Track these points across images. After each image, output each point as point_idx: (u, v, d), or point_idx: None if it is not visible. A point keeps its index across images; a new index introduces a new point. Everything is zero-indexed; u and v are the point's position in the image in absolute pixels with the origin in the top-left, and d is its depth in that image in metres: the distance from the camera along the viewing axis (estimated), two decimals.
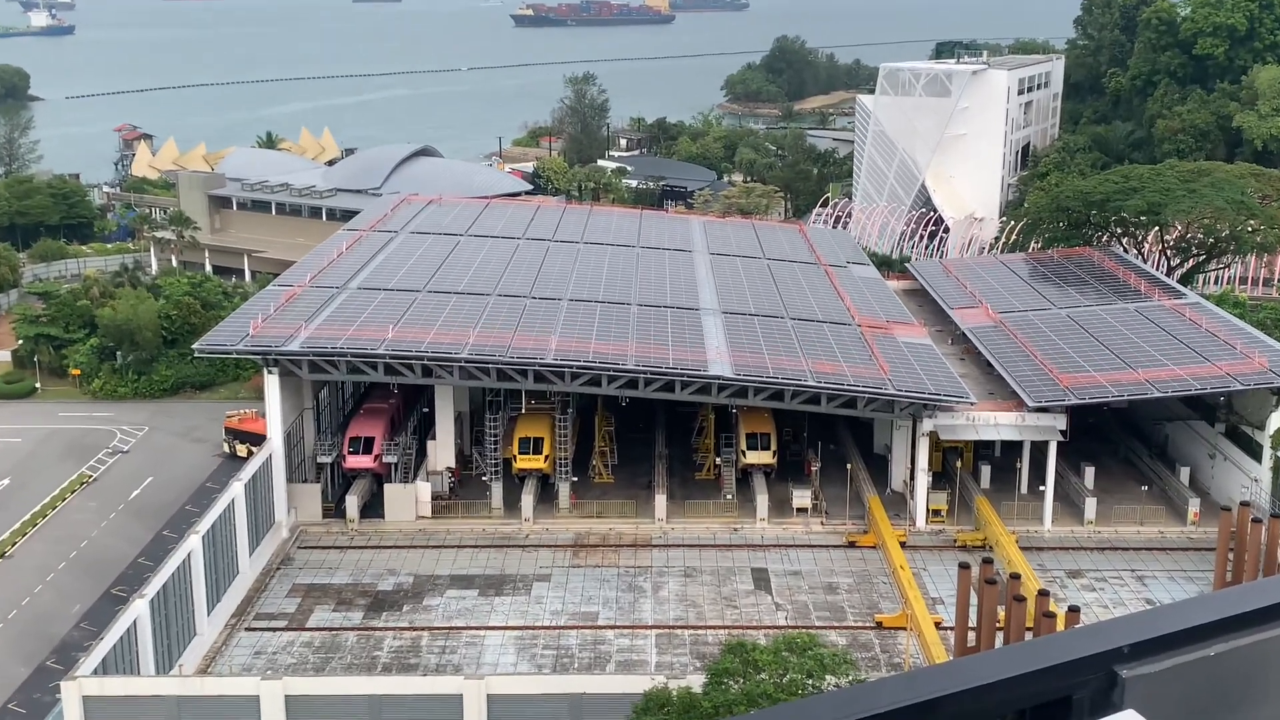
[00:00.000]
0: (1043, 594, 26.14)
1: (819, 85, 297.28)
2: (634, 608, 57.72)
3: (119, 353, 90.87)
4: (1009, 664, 3.87)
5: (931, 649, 50.47)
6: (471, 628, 55.84)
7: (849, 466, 68.97)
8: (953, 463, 69.70)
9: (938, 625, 53.19)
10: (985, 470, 70.03)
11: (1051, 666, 3.86)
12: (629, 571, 61.37)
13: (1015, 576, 29.99)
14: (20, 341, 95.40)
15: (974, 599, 41.08)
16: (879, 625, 55.76)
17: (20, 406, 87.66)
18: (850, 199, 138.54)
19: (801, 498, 67.21)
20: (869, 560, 62.44)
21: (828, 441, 74.49)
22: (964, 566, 22.12)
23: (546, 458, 68.79)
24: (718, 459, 71.16)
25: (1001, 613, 36.17)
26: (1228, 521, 26.53)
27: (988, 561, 25.21)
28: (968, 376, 70.66)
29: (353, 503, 66.41)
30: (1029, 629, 36.09)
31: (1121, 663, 3.89)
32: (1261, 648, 4.01)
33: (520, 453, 68.86)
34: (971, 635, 41.20)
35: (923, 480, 65.49)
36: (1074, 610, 26.74)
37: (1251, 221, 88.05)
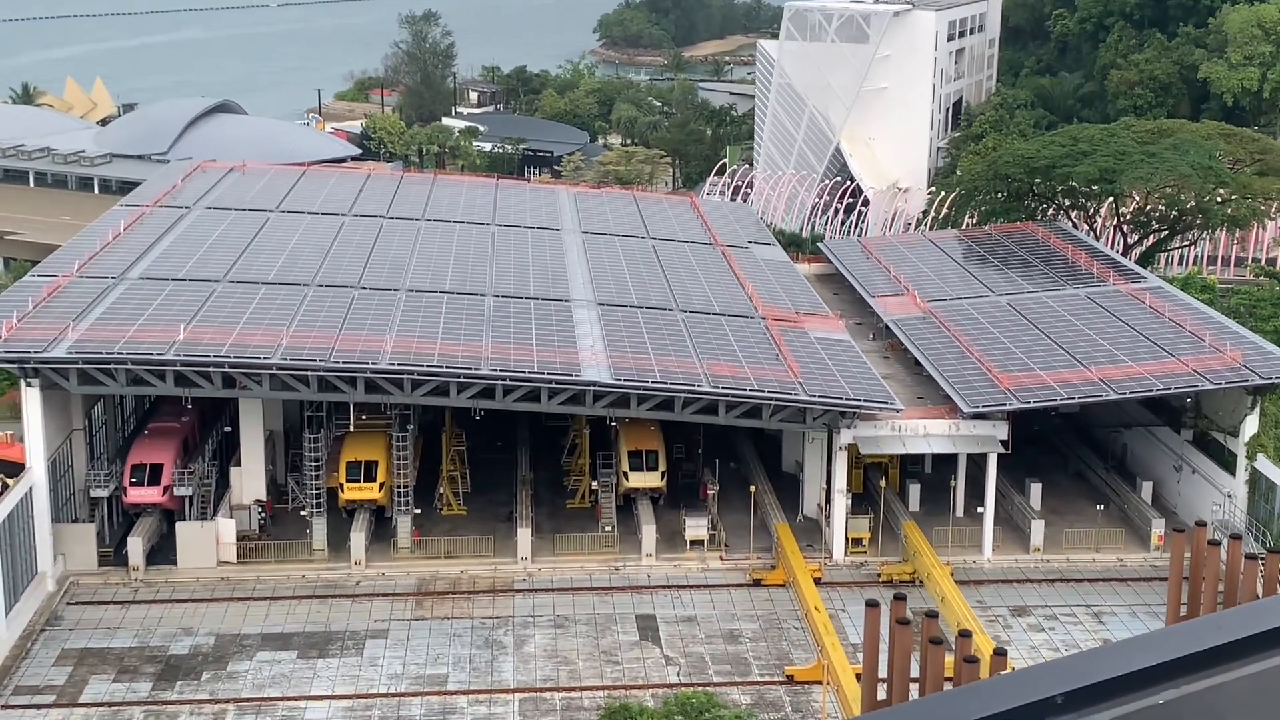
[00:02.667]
0: (964, 635, 26.75)
1: (712, 28, 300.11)
2: (492, 668, 57.56)
3: None
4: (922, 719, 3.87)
5: (852, 706, 51.29)
6: (289, 698, 55.07)
7: (752, 489, 69.78)
8: (876, 482, 70.98)
9: (859, 677, 54.03)
10: (914, 490, 71.51)
11: None
12: (486, 623, 61.17)
13: (965, 634, 30.58)
14: None
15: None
16: (790, 679, 56.50)
17: None
18: (751, 166, 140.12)
19: (696, 528, 67.72)
20: (777, 601, 63.19)
21: (727, 459, 75.18)
22: (872, 604, 22.50)
23: (381, 486, 68.15)
24: (594, 483, 71.33)
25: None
26: (1180, 546, 27.50)
27: (900, 597, 25.73)
28: (892, 378, 72.01)
29: (136, 546, 64.95)
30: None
31: (1054, 715, 3.92)
32: (1218, 693, 4.06)
33: (348, 480, 68.12)
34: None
35: (840, 504, 66.56)
36: (1000, 654, 27.39)
37: (1221, 190, 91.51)
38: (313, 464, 67.52)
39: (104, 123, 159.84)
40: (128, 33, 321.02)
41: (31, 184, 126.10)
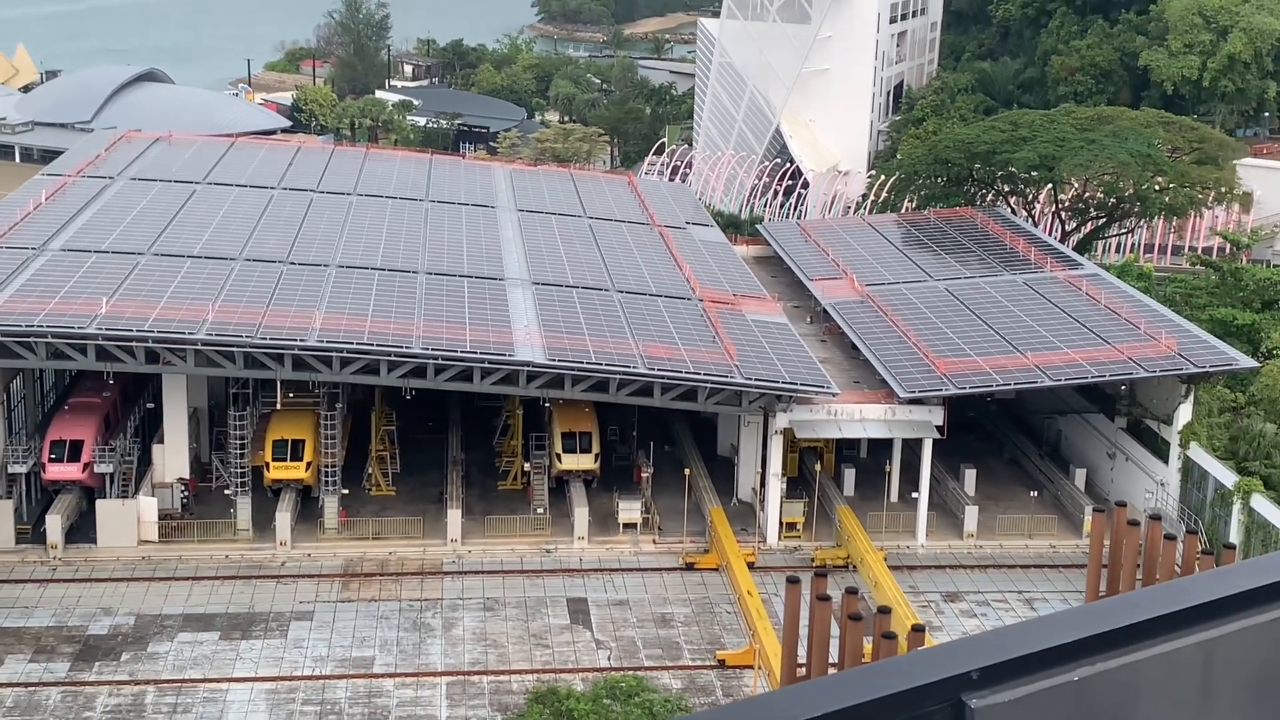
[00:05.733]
0: (883, 611, 27.03)
1: (654, 5, 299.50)
2: (419, 650, 57.44)
3: None
4: (836, 694, 3.87)
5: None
6: (210, 680, 54.75)
7: (687, 472, 70.00)
8: (811, 466, 71.45)
9: None
10: (849, 475, 72.10)
11: (887, 697, 3.87)
12: (413, 605, 61.01)
13: (885, 610, 30.85)
14: None
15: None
16: (721, 664, 56.84)
17: None
18: (690, 146, 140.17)
19: (629, 511, 67.87)
20: (710, 585, 63.52)
21: (662, 442, 75.39)
22: (793, 581, 22.72)
23: (308, 465, 67.74)
24: (526, 464, 71.27)
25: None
26: (1100, 525, 27.92)
27: (821, 574, 26.12)
28: (829, 362, 72.45)
29: (55, 524, 64.17)
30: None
31: (970, 690, 3.94)
32: (1133, 670, 4.09)
33: (274, 459, 67.67)
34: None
35: (775, 488, 66.94)
36: (918, 630, 27.70)
37: (1159, 179, 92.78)
38: (238, 442, 66.91)
39: (26, 89, 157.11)
40: None
41: None
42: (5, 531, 64.33)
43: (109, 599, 60.66)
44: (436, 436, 75.76)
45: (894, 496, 70.34)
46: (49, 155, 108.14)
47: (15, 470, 66.22)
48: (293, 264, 72.05)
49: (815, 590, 23.52)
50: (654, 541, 67.32)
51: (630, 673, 52.04)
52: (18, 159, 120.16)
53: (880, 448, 72.06)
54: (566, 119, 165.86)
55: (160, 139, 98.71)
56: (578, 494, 68.74)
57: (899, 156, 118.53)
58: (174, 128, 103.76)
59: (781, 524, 67.28)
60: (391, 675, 55.49)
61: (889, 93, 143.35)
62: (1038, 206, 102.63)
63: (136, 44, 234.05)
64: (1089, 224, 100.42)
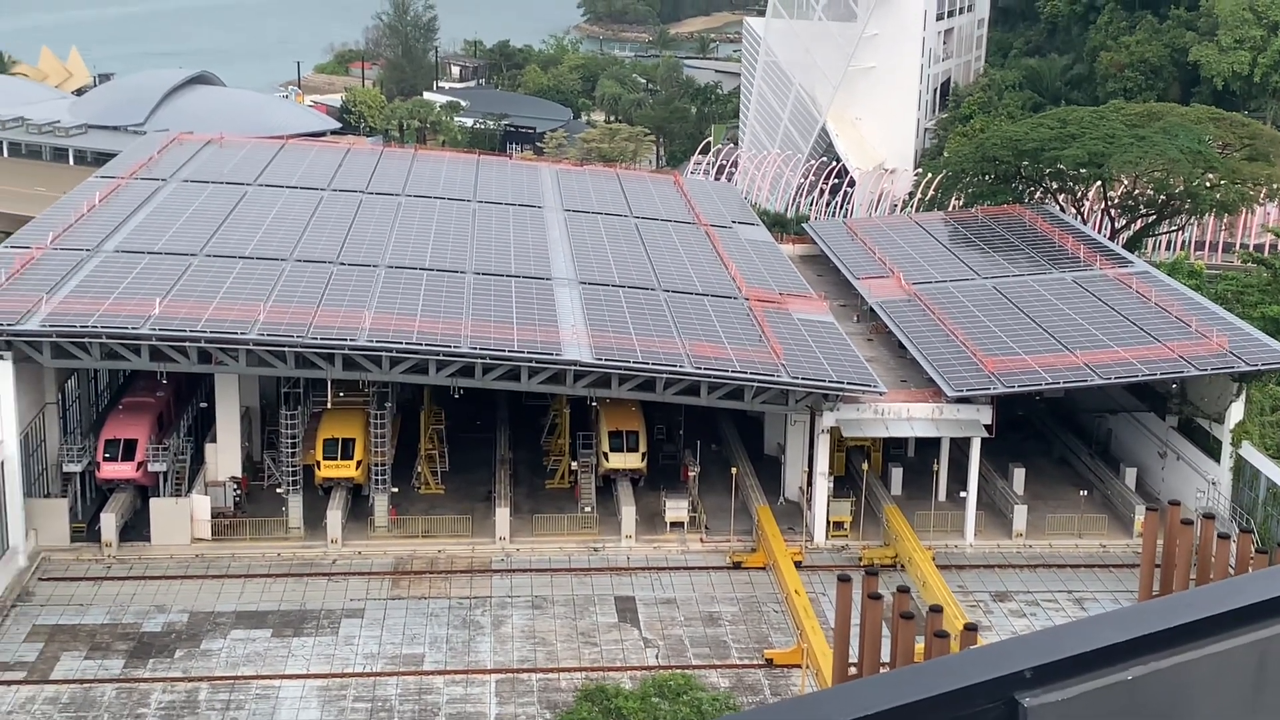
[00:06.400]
0: (935, 610, 27.03)
1: (699, 4, 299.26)
2: (469, 648, 57.65)
3: None
4: (887, 693, 3.91)
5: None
6: (263, 676, 55.11)
7: (734, 471, 69.92)
8: (858, 465, 71.19)
9: None
10: (896, 474, 71.78)
11: (940, 695, 3.90)
12: (463, 603, 61.23)
13: (936, 609, 30.84)
14: None
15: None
16: (769, 663, 56.75)
17: None
18: (736, 145, 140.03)
19: (676, 510, 67.86)
20: (757, 584, 63.43)
21: (709, 441, 75.31)
22: (844, 580, 22.64)
23: (358, 464, 68.11)
24: (574, 463, 71.39)
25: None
26: (1153, 524, 27.67)
27: (872, 574, 25.91)
28: (876, 361, 72.17)
29: (109, 522, 64.78)
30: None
31: (1023, 689, 3.96)
32: (1186, 670, 4.11)
33: (325, 458, 68.09)
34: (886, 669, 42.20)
35: (822, 487, 66.77)
36: (971, 629, 27.59)
37: (1210, 175, 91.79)
38: (289, 441, 67.43)
39: (79, 93, 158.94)
40: (104, 1, 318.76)
41: (5, 154, 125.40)
42: (61, 530, 65.08)
43: (163, 596, 61.23)
44: (485, 435, 76.04)
45: (942, 496, 69.96)
46: (102, 158, 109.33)
47: (70, 469, 66.96)
48: (342, 264, 72.50)
49: (866, 589, 23.52)
50: (701, 540, 67.32)
51: (678, 671, 52.07)
52: (71, 161, 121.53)
53: (928, 447, 71.72)
54: (612, 119, 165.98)
55: (212, 141, 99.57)
56: (625, 493, 68.81)
57: (946, 154, 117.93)
58: (225, 130, 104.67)
59: (829, 523, 67.07)
60: (441, 672, 55.74)
61: (935, 90, 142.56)
62: (1086, 204, 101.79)
63: (188, 47, 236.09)
64: (1139, 221, 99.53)
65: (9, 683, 54.16)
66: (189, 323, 62.18)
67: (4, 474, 61.81)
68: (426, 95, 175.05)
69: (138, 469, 66.35)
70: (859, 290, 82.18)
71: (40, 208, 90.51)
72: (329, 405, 70.95)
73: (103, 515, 65.18)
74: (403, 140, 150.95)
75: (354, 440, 68.50)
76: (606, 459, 69.89)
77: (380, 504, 67.62)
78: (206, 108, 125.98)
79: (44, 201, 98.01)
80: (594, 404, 71.08)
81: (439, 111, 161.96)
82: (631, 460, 69.87)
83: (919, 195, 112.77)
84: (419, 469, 71.93)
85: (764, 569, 64.58)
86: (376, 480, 67.81)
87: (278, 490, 68.71)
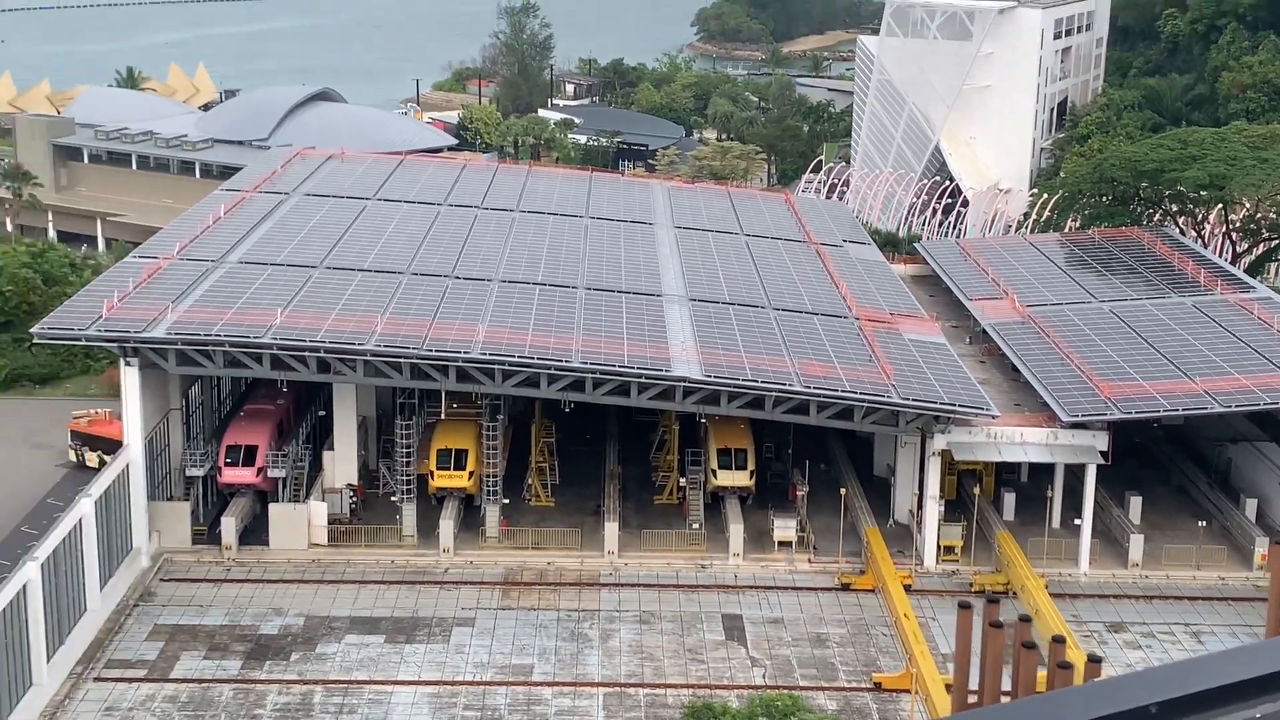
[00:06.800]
0: (1057, 641, 26.42)
1: (812, 23, 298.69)
2: (577, 660, 57.80)
3: None
4: None
5: (940, 716, 50.84)
6: (375, 681, 55.74)
7: (843, 492, 69.38)
8: (970, 489, 70.25)
9: (949, 687, 53.59)
10: (1009, 499, 70.69)
11: None
12: (571, 616, 61.42)
13: (1059, 640, 30.28)
14: None
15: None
16: (877, 686, 56.13)
17: None
18: (848, 163, 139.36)
19: (785, 529, 67.49)
20: (866, 606, 62.83)
21: (817, 461, 74.80)
22: (964, 606, 22.13)
23: (471, 474, 68.68)
24: (682, 479, 71.30)
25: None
26: (1278, 558, 26.97)
27: (993, 600, 25.30)
28: (989, 383, 71.25)
29: (230, 526, 66.00)
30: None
31: None
32: None
33: (439, 468, 68.73)
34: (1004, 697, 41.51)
35: (933, 510, 65.97)
36: (1095, 661, 26.87)
37: None
38: (404, 450, 68.22)
39: (206, 108, 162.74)
40: (233, 20, 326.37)
41: (134, 167, 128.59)
42: (183, 532, 66.47)
43: (280, 600, 62.23)
44: (594, 449, 76.32)
45: (1055, 523, 68.77)
46: (227, 171, 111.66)
47: (193, 473, 68.35)
48: (458, 278, 73.25)
49: (987, 617, 23.09)
50: (809, 560, 66.87)
51: (785, 691, 51.72)
52: (198, 175, 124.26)
53: (1041, 472, 70.57)
54: (724, 136, 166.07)
55: (333, 156, 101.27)
56: (733, 510, 68.61)
57: (1062, 174, 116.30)
58: (346, 145, 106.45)
59: (939, 547, 66.26)
60: (550, 684, 55.94)
61: (1052, 110, 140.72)
62: (1207, 227, 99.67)
63: (312, 65, 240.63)
64: (1261, 245, 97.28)
65: (130, 680, 55.36)
66: (309, 332, 63.21)
67: (129, 477, 63.31)
68: (541, 112, 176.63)
69: (258, 474, 67.54)
70: (972, 311, 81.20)
71: (167, 219, 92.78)
72: (443, 416, 71.68)
73: (223, 519, 66.44)
74: (517, 157, 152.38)
75: (467, 451, 69.10)
76: (715, 476, 69.77)
77: (492, 515, 68.12)
78: (328, 124, 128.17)
79: (171, 213, 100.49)
80: (703, 421, 71.01)
81: (553, 128, 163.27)
82: (740, 478, 69.66)
83: (1034, 216, 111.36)
84: (530, 481, 72.38)
85: (873, 591, 63.96)
86: (488, 491, 68.32)
87: (392, 499, 69.52)
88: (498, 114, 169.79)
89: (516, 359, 63.01)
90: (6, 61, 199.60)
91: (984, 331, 78.32)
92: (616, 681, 56.23)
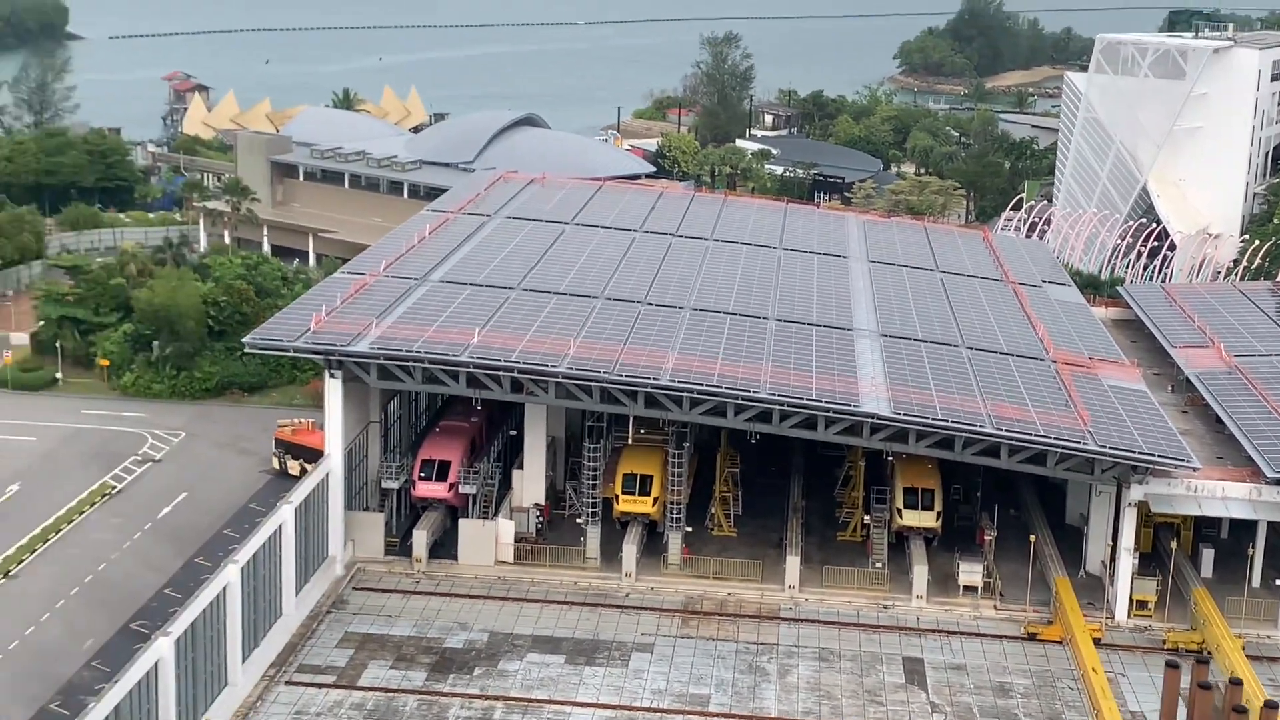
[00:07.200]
0: (1270, 706, 25.13)
1: (1018, 58, 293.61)
2: (754, 694, 57.31)
3: (156, 343, 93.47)
4: None
5: None
6: (555, 701, 56.07)
7: (1032, 539, 67.53)
8: (1166, 543, 67.63)
9: None
10: (1207, 555, 67.95)
11: None
12: (750, 648, 60.99)
13: (1236, 682, 28.80)
14: (41, 323, 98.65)
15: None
16: None
17: (37, 400, 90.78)
18: (1050, 202, 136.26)
19: (971, 573, 66.00)
20: (1053, 658, 60.99)
21: (1007, 505, 73.10)
22: (1172, 665, 20.97)
23: (655, 500, 68.80)
24: (866, 517, 70.33)
25: None
26: None
27: (1202, 661, 23.96)
28: (1191, 434, 68.68)
29: (420, 539, 67.31)
30: None
31: None
32: None
33: (624, 492, 69.04)
34: None
35: (1126, 562, 63.78)
36: (1271, 707, 25.40)
37: None
38: (591, 473, 68.72)
39: (416, 130, 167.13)
40: (445, 45, 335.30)
41: (346, 185, 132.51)
42: (376, 543, 68.02)
43: (466, 614, 63.07)
44: (778, 482, 75.79)
45: (1256, 582, 65.81)
46: (434, 192, 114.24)
47: (388, 485, 69.89)
48: (650, 304, 73.61)
49: (1196, 677, 22.09)
50: (995, 607, 65.18)
51: None
52: (406, 194, 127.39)
53: (1242, 529, 67.65)
54: (923, 171, 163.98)
55: (535, 180, 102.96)
56: (918, 551, 67.33)
57: (1276, 220, 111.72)
58: (548, 170, 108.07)
59: (1131, 601, 63.95)
60: (726, 715, 55.47)
61: (1267, 153, 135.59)
62: None
63: (518, 90, 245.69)
64: None
65: (320, 685, 56.73)
66: (504, 353, 64.18)
67: (328, 486, 65.02)
68: (739, 142, 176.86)
69: (450, 490, 68.77)
70: (1175, 359, 78.52)
71: (375, 237, 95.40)
72: (630, 441, 72.00)
73: (415, 532, 67.73)
74: (713, 185, 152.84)
75: (652, 477, 69.26)
76: (900, 515, 68.61)
77: (674, 542, 68.09)
78: (531, 148, 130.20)
79: (379, 231, 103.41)
80: (890, 458, 69.94)
81: (750, 158, 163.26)
82: (926, 519, 68.36)
83: (1244, 262, 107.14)
84: (713, 510, 72.18)
85: (1060, 643, 62.01)
86: (672, 518, 68.34)
87: (577, 520, 70.03)
88: (696, 143, 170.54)
89: (705, 387, 62.97)
90: (230, 81, 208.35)
91: (1187, 380, 75.63)
92: (792, 717, 55.54)
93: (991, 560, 67.48)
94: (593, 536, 68.17)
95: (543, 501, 71.25)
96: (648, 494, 68.93)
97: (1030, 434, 62.26)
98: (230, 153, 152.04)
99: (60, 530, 70.82)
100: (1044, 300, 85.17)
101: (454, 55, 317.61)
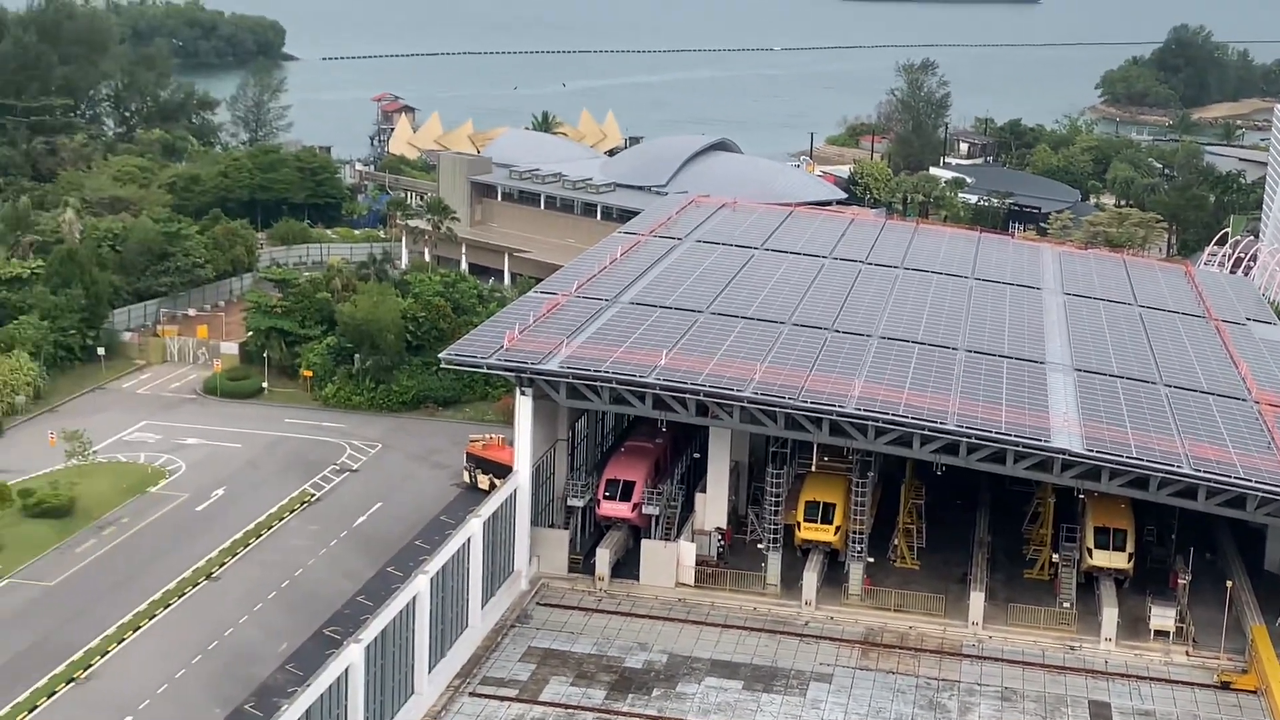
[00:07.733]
0: None
1: (1226, 89, 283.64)
2: None
3: (356, 356, 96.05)
4: None
5: None
6: None
7: (1229, 584, 64.88)
8: None
9: None
10: None
11: None
12: (930, 684, 59.85)
13: None
14: (251, 334, 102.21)
15: None
16: None
17: (244, 408, 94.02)
18: (1257, 237, 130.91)
19: (1163, 617, 63.70)
20: (1247, 709, 58.50)
21: (1202, 549, 70.35)
22: None
23: (837, 529, 68.07)
24: (1055, 555, 68.40)
25: None
26: None
27: None
28: None
29: (604, 557, 67.75)
30: None
31: None
32: None
33: (806, 520, 68.45)
34: None
35: None
36: None
37: None
38: (773, 499, 68.30)
39: (611, 153, 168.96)
40: (643, 70, 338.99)
41: (542, 206, 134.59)
42: (560, 559, 68.72)
43: (646, 635, 63.26)
44: (964, 516, 74.24)
45: None
46: (626, 215, 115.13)
47: (573, 503, 70.60)
48: (837, 331, 72.95)
49: None
50: (1187, 653, 62.72)
51: None
52: (599, 216, 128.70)
53: None
54: (1123, 203, 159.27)
55: (725, 205, 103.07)
56: (1107, 593, 65.20)
57: None
58: (739, 195, 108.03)
59: None
60: None
61: None
62: None
63: (713, 115, 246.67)
64: None
65: (501, 698, 57.51)
66: (690, 375, 64.25)
67: (516, 502, 65.94)
68: (933, 170, 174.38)
69: (633, 510, 69.09)
70: None
71: (568, 257, 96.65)
72: (813, 468, 71.35)
73: (598, 550, 68.24)
74: (905, 213, 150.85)
75: (835, 505, 68.52)
76: (1090, 555, 66.56)
77: (855, 572, 67.22)
78: (723, 173, 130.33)
79: (572, 252, 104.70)
80: (1081, 496, 67.90)
81: (944, 187, 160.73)
82: (1117, 559, 66.18)
83: None
84: (895, 541, 71.07)
85: (1255, 693, 59.38)
86: (853, 548, 67.49)
87: (758, 546, 69.66)
88: (888, 170, 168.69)
89: (891, 417, 62.10)
90: (435, 102, 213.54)
91: None
92: None
93: (1184, 605, 65.00)
94: (773, 563, 67.74)
95: (725, 526, 71.09)
96: (830, 522, 68.20)
97: (1229, 476, 59.82)
98: (433, 172, 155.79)
99: (260, 535, 73.18)
100: (1248, 338, 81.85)
101: (650, 80, 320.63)
